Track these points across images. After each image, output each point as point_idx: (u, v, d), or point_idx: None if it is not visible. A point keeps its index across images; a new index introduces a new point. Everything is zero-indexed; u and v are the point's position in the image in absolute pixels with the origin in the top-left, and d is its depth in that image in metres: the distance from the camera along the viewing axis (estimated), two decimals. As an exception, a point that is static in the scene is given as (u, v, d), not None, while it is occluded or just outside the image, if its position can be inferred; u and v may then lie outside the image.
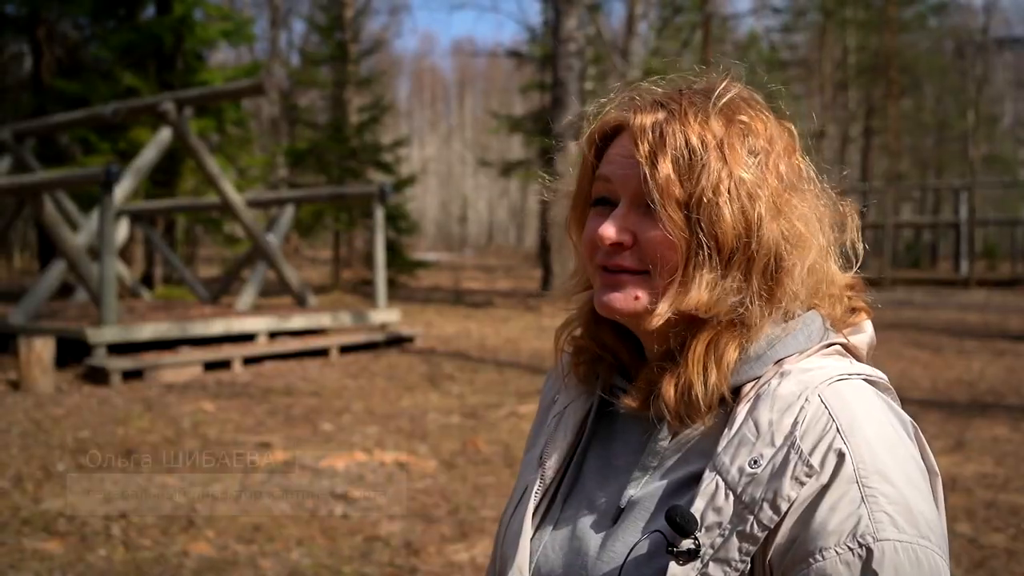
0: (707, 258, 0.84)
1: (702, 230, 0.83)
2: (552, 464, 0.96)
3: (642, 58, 19.95)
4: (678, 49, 24.81)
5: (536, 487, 0.95)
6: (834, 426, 0.79)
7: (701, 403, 0.85)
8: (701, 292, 0.84)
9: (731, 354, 0.85)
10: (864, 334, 0.92)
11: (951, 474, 5.23)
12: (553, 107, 16.57)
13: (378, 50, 28.89)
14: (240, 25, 18.86)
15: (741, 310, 0.85)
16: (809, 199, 0.88)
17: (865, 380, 0.86)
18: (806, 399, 0.81)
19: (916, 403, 7.20)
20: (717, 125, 0.85)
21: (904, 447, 0.81)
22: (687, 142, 0.84)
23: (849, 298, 0.92)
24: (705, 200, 0.83)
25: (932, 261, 30.95)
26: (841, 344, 0.90)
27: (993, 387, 8.35)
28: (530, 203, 49.48)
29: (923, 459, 0.83)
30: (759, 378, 0.85)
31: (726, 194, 0.83)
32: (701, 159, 0.83)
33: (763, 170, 0.85)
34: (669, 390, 0.86)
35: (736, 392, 0.86)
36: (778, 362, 0.86)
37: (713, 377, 0.84)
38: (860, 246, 0.93)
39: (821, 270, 0.88)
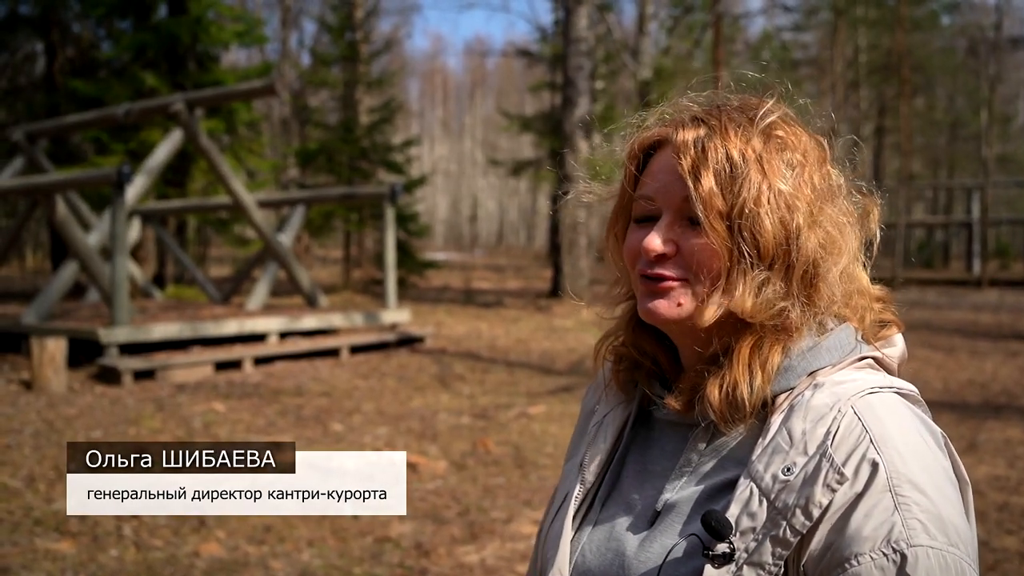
0: (749, 266, 0.87)
1: (744, 239, 0.87)
2: (592, 469, 0.99)
3: (653, 57, 19.91)
4: (689, 48, 24.78)
5: (577, 492, 0.99)
6: (867, 437, 0.82)
7: (746, 404, 0.88)
8: (746, 296, 0.87)
9: (775, 357, 0.89)
10: (896, 348, 0.96)
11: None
12: (563, 107, 16.55)
13: (389, 50, 28.89)
14: (252, 25, 18.89)
15: (783, 315, 0.88)
16: (840, 206, 0.92)
17: (896, 393, 0.88)
18: (839, 411, 0.84)
19: (928, 405, 7.15)
20: (756, 140, 0.89)
21: (934, 458, 0.84)
22: (728, 156, 0.88)
23: (879, 310, 0.95)
24: (747, 211, 0.87)
25: (944, 261, 30.75)
26: (873, 358, 0.92)
27: (1006, 388, 8.30)
28: (540, 203, 49.46)
29: (954, 470, 0.86)
30: (792, 389, 0.88)
31: (766, 205, 0.87)
32: (742, 172, 0.87)
33: (800, 182, 0.89)
34: (714, 392, 0.89)
35: (771, 402, 0.88)
36: (811, 374, 0.89)
37: (758, 379, 0.88)
38: (877, 238, 0.96)
39: (853, 276, 0.92)
